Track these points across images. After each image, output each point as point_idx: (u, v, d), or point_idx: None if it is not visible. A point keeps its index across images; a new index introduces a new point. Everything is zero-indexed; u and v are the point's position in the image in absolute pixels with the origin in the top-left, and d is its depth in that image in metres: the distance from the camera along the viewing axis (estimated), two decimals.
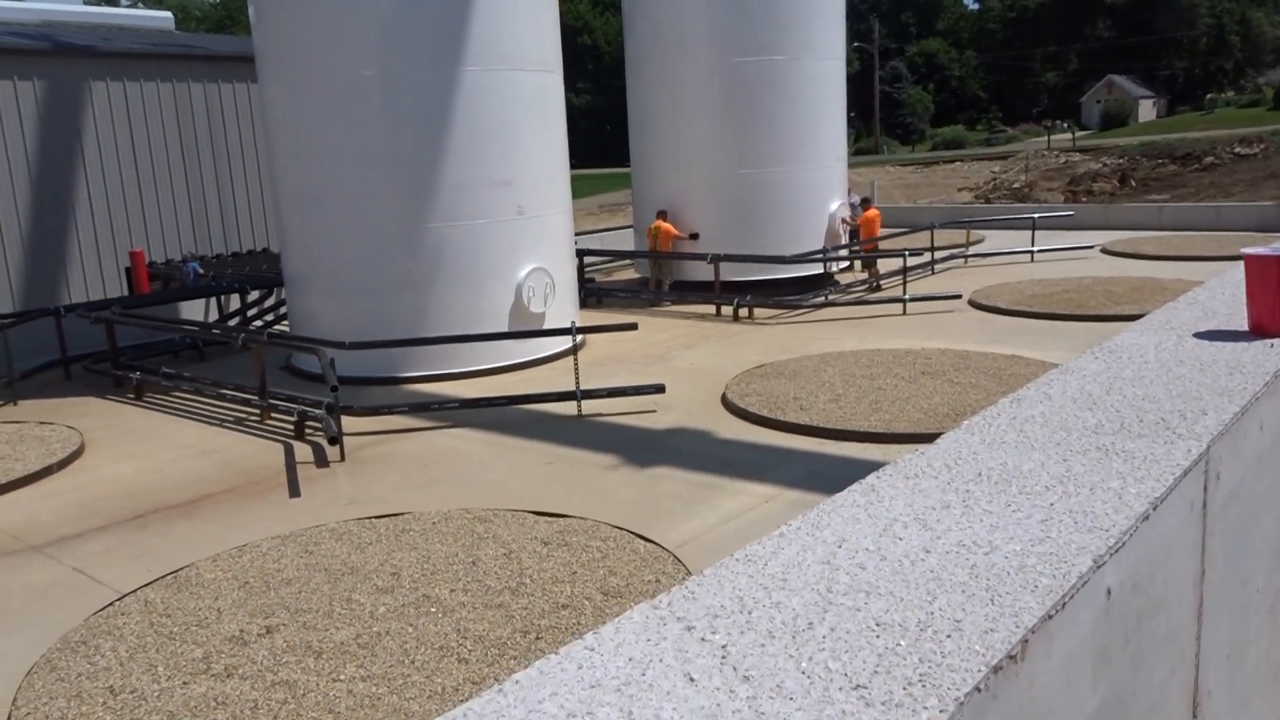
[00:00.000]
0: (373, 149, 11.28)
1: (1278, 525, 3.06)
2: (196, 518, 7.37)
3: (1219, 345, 3.46)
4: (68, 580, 6.34)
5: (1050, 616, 1.59)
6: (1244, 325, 3.72)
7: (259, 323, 14.42)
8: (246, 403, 10.23)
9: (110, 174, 16.46)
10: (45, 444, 9.32)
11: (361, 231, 11.45)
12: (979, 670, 1.42)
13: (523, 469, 8.08)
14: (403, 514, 7.06)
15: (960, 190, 42.55)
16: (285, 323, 13.77)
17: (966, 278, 16.30)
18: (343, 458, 8.57)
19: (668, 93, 16.20)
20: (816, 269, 16.23)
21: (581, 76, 76.08)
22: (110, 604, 5.83)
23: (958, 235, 19.93)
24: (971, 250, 18.98)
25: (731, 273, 15.20)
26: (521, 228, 11.87)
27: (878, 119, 78.95)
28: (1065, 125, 74.60)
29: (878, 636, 1.53)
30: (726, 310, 14.53)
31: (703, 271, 15.39)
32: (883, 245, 17.13)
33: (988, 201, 36.07)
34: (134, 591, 5.99)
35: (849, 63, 18.93)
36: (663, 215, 16.08)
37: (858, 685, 1.40)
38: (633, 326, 10.66)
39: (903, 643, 1.51)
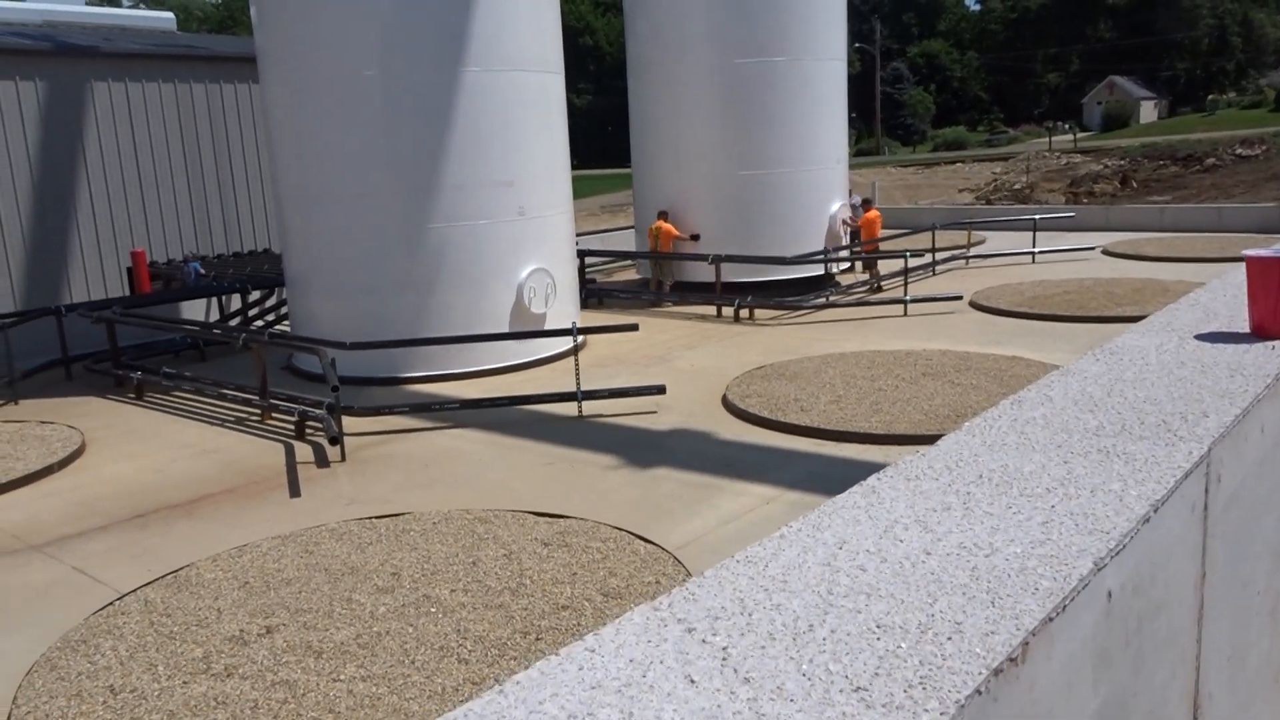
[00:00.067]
0: (374, 149, 11.29)
1: (1279, 528, 3.05)
2: (197, 517, 7.37)
3: (1220, 347, 3.46)
4: (68, 579, 6.34)
5: (1051, 619, 1.59)
6: (1245, 327, 3.72)
7: (260, 323, 14.42)
8: (247, 403, 10.24)
9: (112, 174, 16.47)
10: (46, 443, 9.33)
11: (363, 232, 11.45)
12: (979, 673, 1.42)
13: (523, 469, 8.08)
14: (403, 514, 7.06)
15: (961, 191, 42.54)
16: (286, 323, 13.78)
17: (967, 279, 16.29)
18: (343, 458, 8.58)
19: (669, 93, 16.21)
20: (817, 270, 16.23)
21: (583, 77, 76.10)
22: (110, 603, 5.84)
23: (959, 236, 19.93)
24: (972, 251, 18.98)
25: (732, 274, 15.20)
26: (523, 228, 11.87)
27: (879, 120, 78.97)
28: (1066, 126, 74.62)
29: (878, 638, 1.53)
30: (727, 311, 14.53)
31: (704, 272, 15.39)
32: (884, 246, 17.12)
33: (989, 203, 36.06)
34: (134, 591, 5.99)
35: (850, 63, 18.93)
36: (664, 216, 16.09)
37: (858, 687, 1.39)
38: (634, 327, 10.66)
39: (903, 645, 1.51)
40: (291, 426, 9.47)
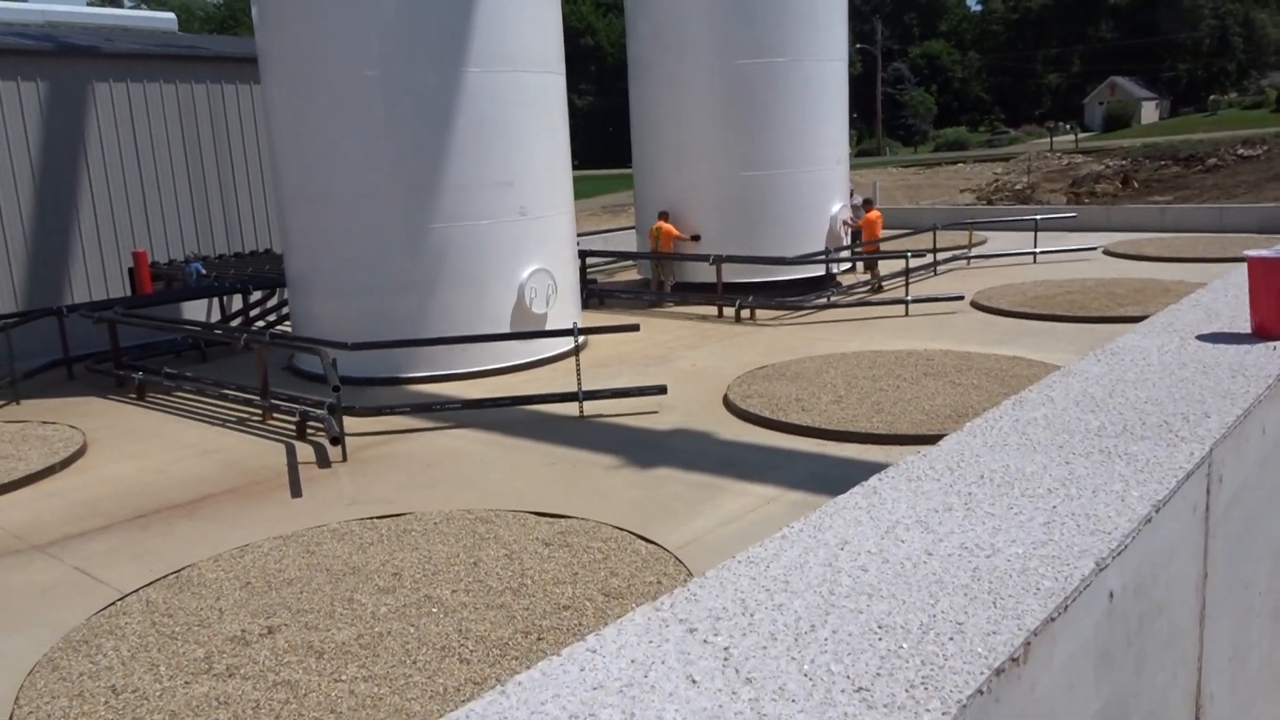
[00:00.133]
0: (375, 149, 11.29)
1: None
2: (198, 518, 7.37)
3: (1222, 348, 3.46)
4: (70, 580, 6.34)
5: (1052, 619, 1.59)
6: (1247, 328, 3.72)
7: (261, 323, 14.43)
8: (249, 403, 10.24)
9: (113, 174, 16.48)
10: (48, 443, 9.34)
11: (364, 232, 11.46)
12: (981, 673, 1.42)
13: (525, 470, 8.08)
14: (404, 514, 7.07)
15: (962, 192, 42.53)
16: (287, 323, 13.78)
17: (969, 279, 16.29)
18: (344, 458, 8.58)
19: (670, 94, 16.21)
20: (819, 270, 16.23)
21: (584, 78, 76.13)
22: (112, 603, 5.84)
23: (960, 237, 19.92)
24: (974, 252, 18.96)
25: (734, 274, 15.20)
26: (524, 228, 11.88)
27: (880, 120, 78.96)
28: (1068, 127, 74.61)
29: (880, 639, 1.53)
30: (729, 311, 14.53)
31: (704, 273, 15.39)
32: (885, 246, 17.12)
33: (990, 203, 36.05)
34: (136, 591, 5.99)
35: (851, 64, 18.93)
36: (664, 216, 16.09)
37: (860, 687, 1.40)
38: (635, 327, 10.66)
39: (905, 645, 1.51)
40: (293, 427, 9.47)
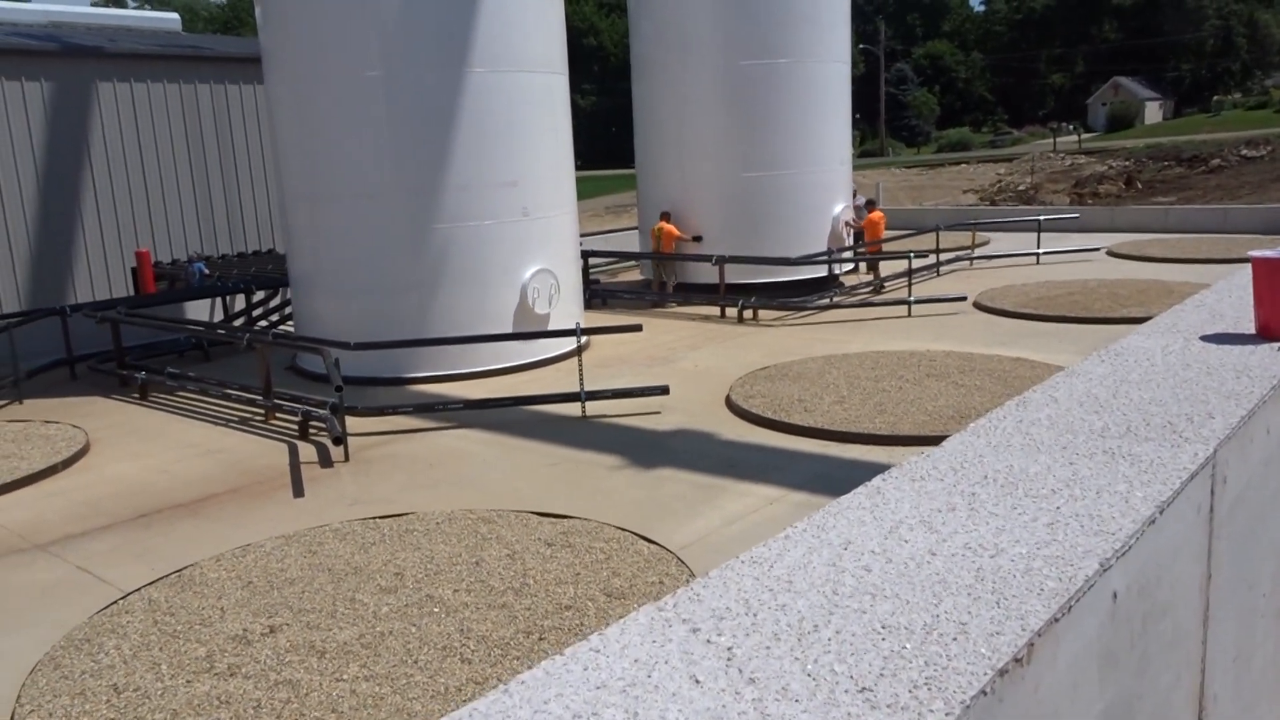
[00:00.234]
0: (379, 150, 11.30)
1: None
2: (201, 517, 7.38)
3: (1226, 349, 3.45)
4: (72, 579, 6.35)
5: (1056, 620, 1.59)
6: (1251, 328, 3.71)
7: (264, 323, 14.44)
8: (251, 403, 10.25)
9: (117, 174, 16.50)
10: (50, 443, 9.35)
11: (367, 232, 11.47)
12: (985, 673, 1.41)
13: (527, 470, 8.08)
14: (406, 514, 7.07)
15: (965, 192, 42.51)
16: (290, 323, 13.79)
17: (972, 280, 16.28)
18: (347, 458, 8.58)
19: (672, 95, 16.21)
20: (821, 271, 16.22)
21: (587, 78, 76.16)
22: (114, 602, 5.84)
23: (963, 237, 19.91)
24: (977, 252, 18.96)
25: (736, 274, 15.20)
26: (527, 229, 11.88)
27: (883, 121, 78.93)
28: (1071, 127, 74.55)
29: (883, 639, 1.53)
30: (731, 312, 14.52)
31: (706, 273, 15.39)
32: (889, 247, 17.12)
33: (993, 204, 36.03)
34: (138, 590, 6.00)
35: (854, 65, 18.93)
36: (666, 216, 16.09)
37: (863, 688, 1.39)
38: (637, 328, 10.66)
39: (908, 645, 1.51)
40: (295, 427, 9.48)
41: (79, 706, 4.69)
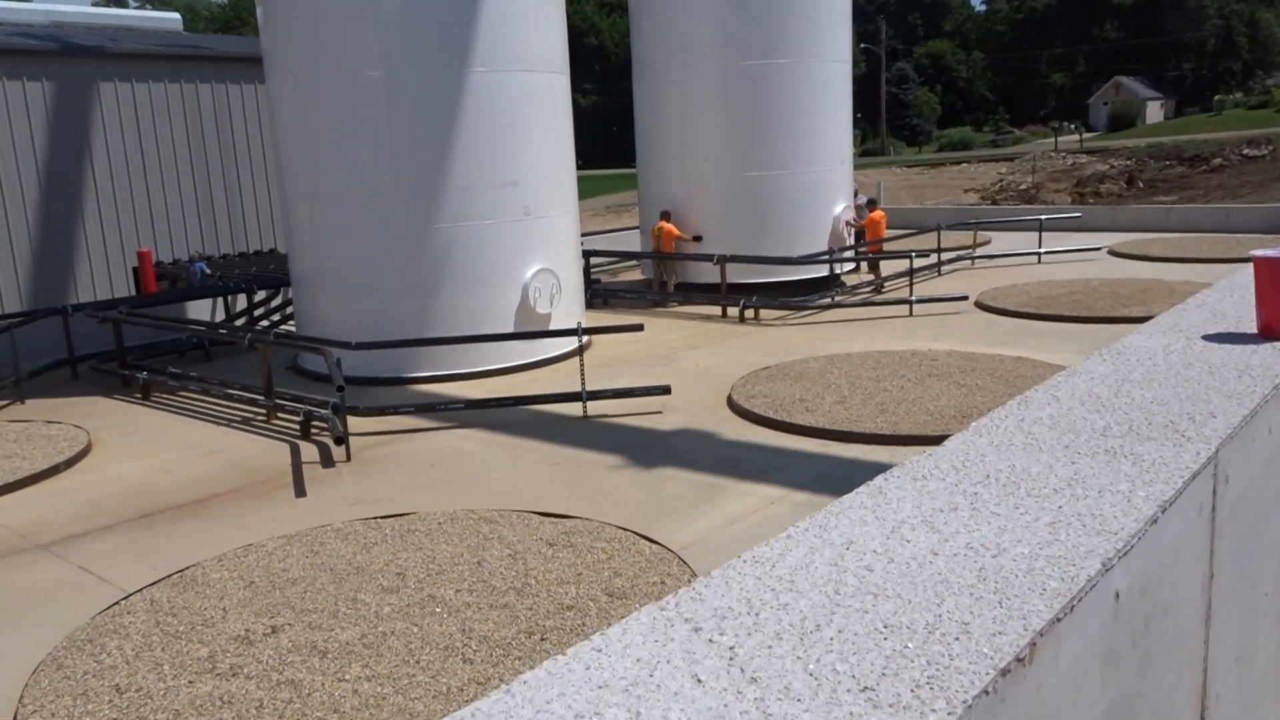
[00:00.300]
0: (380, 150, 11.31)
1: None
2: (202, 517, 7.38)
3: (1228, 348, 3.45)
4: (74, 579, 6.35)
5: (1058, 619, 1.58)
6: (1253, 328, 3.71)
7: (266, 323, 14.45)
8: (253, 403, 10.26)
9: (118, 174, 16.51)
10: (52, 443, 9.35)
11: (368, 232, 11.47)
12: (987, 673, 1.41)
13: (528, 470, 8.08)
14: (408, 514, 7.07)
15: (967, 192, 42.48)
16: (292, 323, 13.80)
17: (973, 279, 16.27)
18: (348, 458, 8.59)
19: (674, 94, 16.21)
20: (822, 270, 16.22)
21: (588, 77, 76.16)
22: (116, 603, 5.85)
23: (964, 237, 19.90)
24: (978, 252, 18.95)
25: (737, 274, 15.21)
26: (528, 228, 11.88)
27: (884, 120, 78.89)
28: (1072, 127, 74.51)
29: (885, 639, 1.53)
30: (732, 311, 14.52)
31: (707, 273, 15.39)
32: (890, 246, 17.11)
33: (994, 203, 36.02)
34: (140, 590, 6.00)
35: (855, 64, 18.92)
36: (666, 216, 16.09)
37: (865, 687, 1.39)
38: (639, 328, 10.66)
39: (910, 645, 1.51)
40: (297, 426, 9.48)
41: (81, 707, 4.69)
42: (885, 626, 1.57)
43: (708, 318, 14.59)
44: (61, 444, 9.30)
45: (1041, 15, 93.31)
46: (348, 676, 4.81)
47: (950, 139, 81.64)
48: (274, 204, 18.13)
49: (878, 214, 16.91)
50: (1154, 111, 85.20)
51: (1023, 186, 41.01)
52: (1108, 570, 1.76)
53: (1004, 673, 1.43)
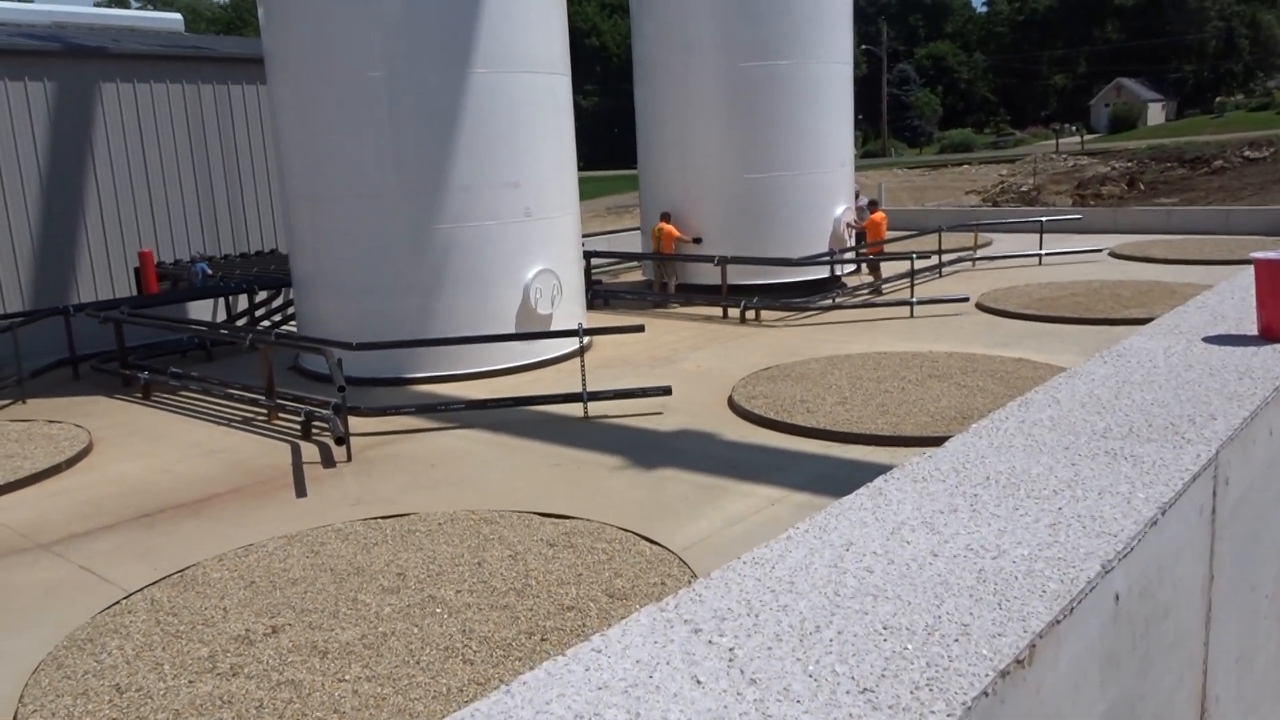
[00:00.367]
0: (381, 150, 11.31)
1: None
2: (203, 517, 7.39)
3: (1228, 350, 3.45)
4: (75, 578, 6.36)
5: (1058, 621, 1.59)
6: (1254, 330, 3.71)
7: (267, 323, 14.45)
8: (254, 403, 10.26)
9: (120, 175, 16.52)
10: (54, 442, 9.36)
11: (369, 232, 11.48)
12: (986, 675, 1.41)
13: (528, 470, 8.08)
14: (409, 515, 7.07)
15: (968, 193, 42.49)
16: (293, 323, 13.80)
17: (974, 281, 16.27)
18: (349, 458, 8.59)
19: (675, 96, 16.22)
20: (823, 272, 16.23)
21: (589, 79, 76.19)
22: (117, 602, 5.85)
23: (965, 238, 19.90)
24: (979, 253, 18.95)
25: (738, 275, 15.21)
26: (529, 229, 11.88)
27: (885, 122, 78.90)
28: (1074, 128, 74.49)
29: (885, 640, 1.53)
30: (733, 312, 14.52)
31: (707, 274, 15.39)
32: (891, 248, 17.12)
33: (996, 205, 36.02)
34: (141, 590, 6.00)
35: (857, 65, 18.93)
36: (665, 217, 16.10)
37: (865, 689, 1.39)
38: (639, 328, 10.66)
39: (910, 646, 1.51)
40: (298, 427, 9.49)
41: (82, 706, 4.69)
42: (885, 628, 1.57)
43: (709, 319, 14.59)
44: (63, 443, 9.30)
45: (1043, 17, 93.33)
46: (348, 677, 4.81)
47: (951, 140, 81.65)
48: (275, 204, 18.13)
49: (879, 215, 16.91)
50: (1155, 113, 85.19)
51: (1024, 188, 41.02)
52: (1107, 572, 1.76)
53: (1003, 674, 1.43)
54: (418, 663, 4.92)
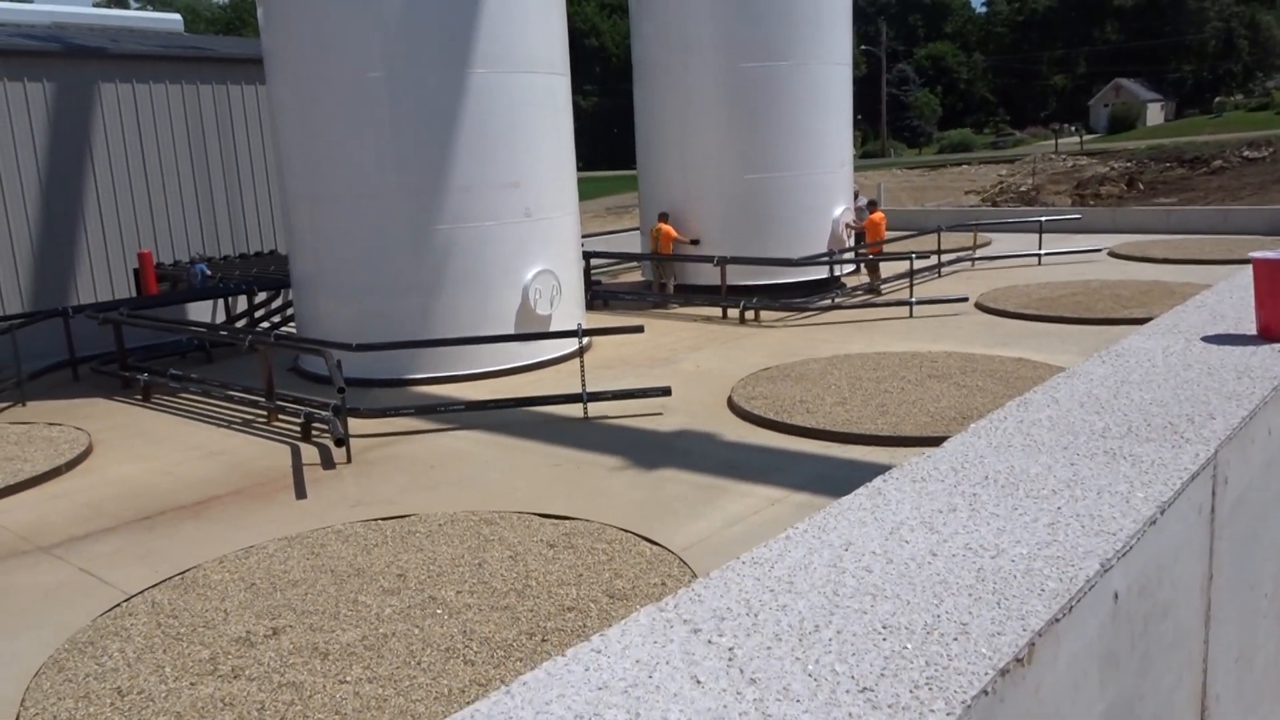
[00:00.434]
0: (381, 151, 11.31)
1: None
2: (203, 519, 7.39)
3: (1227, 349, 3.46)
4: (75, 581, 6.36)
5: (1057, 620, 1.59)
6: (1252, 329, 3.72)
7: (266, 324, 14.45)
8: (254, 404, 10.26)
9: (119, 175, 16.52)
10: (53, 445, 9.36)
11: (369, 233, 11.48)
12: (986, 673, 1.42)
13: (528, 471, 8.09)
14: (409, 516, 7.07)
15: (967, 193, 42.50)
16: (292, 324, 13.80)
17: (973, 281, 16.27)
18: (349, 460, 8.59)
19: (674, 96, 16.23)
20: (822, 272, 16.23)
21: (589, 79, 76.17)
22: (118, 605, 5.85)
23: (965, 238, 19.91)
24: (978, 253, 18.95)
25: (737, 276, 15.21)
26: (529, 230, 11.89)
27: (885, 122, 78.90)
28: (1073, 128, 74.51)
29: (884, 639, 1.53)
30: (733, 313, 14.53)
31: (706, 274, 15.39)
32: (890, 248, 17.12)
33: (995, 205, 36.03)
34: (141, 592, 6.00)
35: (856, 65, 18.95)
36: (664, 218, 16.10)
37: (864, 688, 1.40)
38: (639, 329, 10.66)
39: (909, 646, 1.51)
40: (298, 428, 9.49)
41: (83, 709, 4.70)
42: (884, 627, 1.57)
43: (708, 319, 14.59)
44: (62, 446, 9.30)
45: (1042, 17, 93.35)
46: (349, 678, 4.82)
47: (951, 141, 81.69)
48: (275, 205, 18.13)
49: (878, 216, 16.92)
50: (1154, 113, 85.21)
51: (1023, 188, 41.03)
52: (1106, 571, 1.76)
53: (1003, 673, 1.43)
54: (419, 664, 4.92)
